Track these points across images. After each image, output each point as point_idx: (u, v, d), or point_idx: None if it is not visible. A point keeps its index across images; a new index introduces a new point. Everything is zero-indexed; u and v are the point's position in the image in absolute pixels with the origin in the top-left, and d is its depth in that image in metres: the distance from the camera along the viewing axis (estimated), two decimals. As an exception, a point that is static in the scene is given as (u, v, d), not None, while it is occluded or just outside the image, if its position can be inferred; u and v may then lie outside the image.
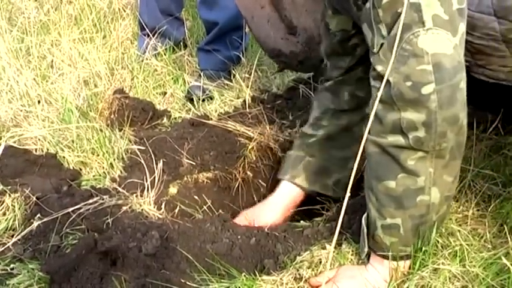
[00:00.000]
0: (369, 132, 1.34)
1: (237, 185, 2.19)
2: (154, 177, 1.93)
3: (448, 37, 1.24)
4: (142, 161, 2.00)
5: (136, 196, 1.85)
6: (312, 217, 1.85)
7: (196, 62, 2.74)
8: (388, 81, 1.26)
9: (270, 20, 2.11)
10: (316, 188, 1.86)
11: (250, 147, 2.18)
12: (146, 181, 1.90)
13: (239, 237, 1.66)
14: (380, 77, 1.29)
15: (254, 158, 2.21)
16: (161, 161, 2.02)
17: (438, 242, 1.55)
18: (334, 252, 1.56)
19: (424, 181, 1.34)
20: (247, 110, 2.32)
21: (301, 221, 1.81)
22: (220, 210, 1.95)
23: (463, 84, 1.28)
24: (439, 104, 1.25)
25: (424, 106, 1.25)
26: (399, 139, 1.31)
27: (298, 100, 2.38)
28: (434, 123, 1.26)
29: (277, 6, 2.08)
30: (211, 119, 2.31)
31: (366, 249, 1.50)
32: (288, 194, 1.88)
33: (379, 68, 1.30)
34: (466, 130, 1.34)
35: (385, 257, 1.47)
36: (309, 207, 1.90)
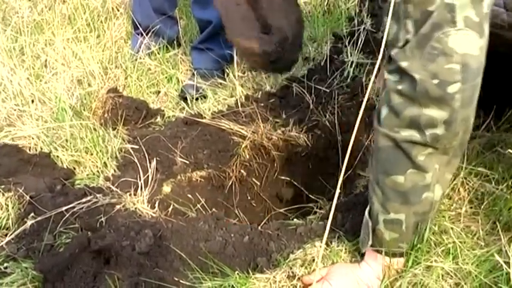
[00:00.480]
0: (380, 125, 1.35)
1: (230, 183, 2.20)
2: (148, 176, 1.93)
3: (476, 38, 1.24)
4: (136, 160, 2.00)
5: (130, 195, 1.84)
6: (306, 215, 1.85)
7: (190, 61, 2.73)
8: (412, 77, 1.26)
9: (244, 17, 2.10)
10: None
11: (243, 145, 2.18)
12: (140, 180, 1.90)
13: (232, 235, 1.66)
14: (402, 71, 1.29)
15: (247, 156, 2.21)
16: (155, 159, 2.02)
17: (431, 239, 1.55)
18: (326, 250, 1.56)
19: (431, 177, 1.36)
20: (241, 108, 2.31)
21: (295, 219, 1.81)
22: (213, 209, 1.94)
23: (479, 85, 1.30)
24: (462, 103, 1.26)
25: (448, 104, 1.26)
26: (414, 134, 1.31)
27: (291, 99, 2.38)
28: (454, 122, 1.27)
29: (253, 5, 2.07)
30: (205, 117, 2.30)
31: (370, 242, 1.49)
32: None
33: (403, 63, 1.28)
34: (471, 129, 1.35)
35: (381, 253, 1.48)
36: (302, 205, 1.90)
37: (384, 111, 1.34)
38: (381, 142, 1.38)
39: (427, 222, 1.46)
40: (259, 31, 2.08)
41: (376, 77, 1.40)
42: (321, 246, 1.43)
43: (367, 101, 2.24)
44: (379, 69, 1.34)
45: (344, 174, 2.02)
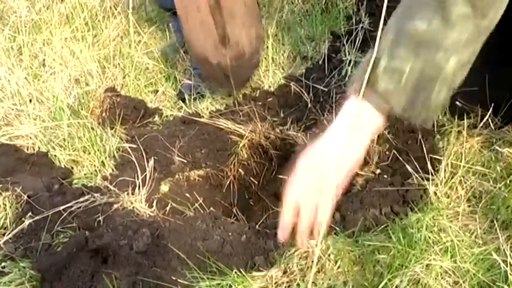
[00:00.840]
0: None
1: (228, 182, 2.19)
2: (146, 175, 1.92)
3: None
4: (134, 159, 1.99)
5: (128, 194, 1.84)
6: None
7: (188, 60, 2.72)
8: None
9: (203, 23, 2.08)
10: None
11: (241, 144, 2.18)
12: (137, 179, 1.89)
13: (230, 234, 1.66)
14: None
15: (245, 155, 2.21)
16: (152, 158, 2.01)
17: (429, 237, 1.54)
18: (322, 247, 1.55)
19: (452, 41, 1.26)
20: (238, 107, 2.30)
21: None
22: (211, 208, 1.94)
23: None
24: None
25: None
26: None
27: (289, 97, 2.37)
28: None
29: (214, 12, 2.05)
30: (203, 116, 2.29)
31: (364, 84, 1.29)
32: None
33: None
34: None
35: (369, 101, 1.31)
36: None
37: None
38: None
39: (427, 92, 1.29)
40: (217, 40, 2.06)
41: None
42: (316, 245, 1.42)
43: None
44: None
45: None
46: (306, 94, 2.32)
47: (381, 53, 1.30)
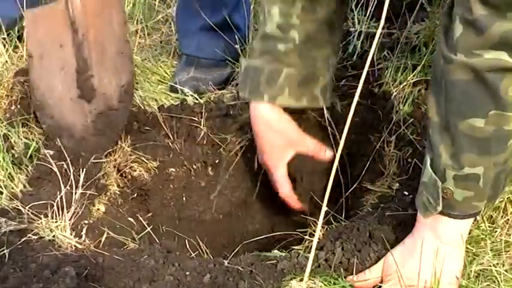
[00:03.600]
0: (451, 50, 1.38)
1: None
2: (72, 192, 1.93)
3: None
4: (56, 169, 1.99)
5: (46, 218, 1.84)
6: (290, 245, 1.88)
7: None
8: None
9: (64, 67, 2.12)
10: (303, 103, 1.99)
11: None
12: (60, 197, 1.89)
13: (188, 273, 1.67)
14: None
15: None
16: (83, 169, 2.02)
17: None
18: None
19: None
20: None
21: (275, 251, 1.83)
22: (163, 237, 1.96)
23: None
24: None
25: None
26: (505, 58, 1.33)
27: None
28: None
29: (82, 54, 2.09)
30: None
31: (440, 208, 1.54)
32: (270, 118, 2.01)
33: None
34: None
35: (450, 216, 1.55)
36: (286, 232, 1.93)
37: (458, 30, 1.35)
38: (456, 74, 1.40)
39: (508, 172, 1.52)
40: (78, 93, 2.10)
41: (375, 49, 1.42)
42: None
43: (377, 87, 2.31)
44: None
45: (345, 188, 2.09)
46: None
47: (445, 163, 1.50)
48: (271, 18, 1.90)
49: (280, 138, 2.02)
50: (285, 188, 2.09)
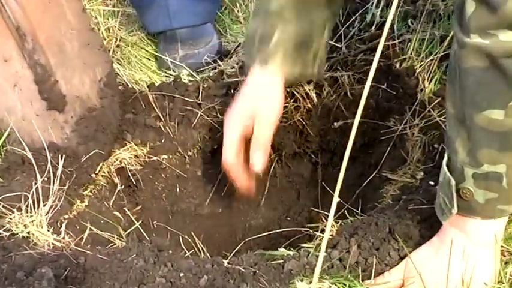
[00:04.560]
0: (464, 31, 1.37)
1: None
2: (50, 183, 1.93)
3: None
4: (31, 157, 1.99)
5: (19, 212, 1.84)
6: (299, 243, 1.87)
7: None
8: None
9: (17, 83, 2.03)
10: (297, 69, 2.01)
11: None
12: (36, 189, 1.89)
13: (182, 275, 1.67)
14: None
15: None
16: (61, 156, 2.01)
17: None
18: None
19: None
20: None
21: (282, 249, 1.83)
22: (154, 234, 1.95)
23: None
24: None
25: None
26: None
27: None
28: None
29: (37, 61, 2.00)
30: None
31: (455, 209, 1.53)
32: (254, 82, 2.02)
33: None
34: None
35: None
36: (295, 228, 1.92)
37: (470, 8, 1.33)
38: (468, 61, 1.38)
39: None
40: (45, 106, 2.03)
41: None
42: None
43: (399, 62, 2.30)
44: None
45: (360, 179, 2.08)
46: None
47: (462, 160, 1.49)
48: None
49: (249, 104, 2.00)
50: (228, 155, 2.01)
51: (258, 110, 1.97)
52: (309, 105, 2.27)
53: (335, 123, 2.27)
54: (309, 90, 2.23)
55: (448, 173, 1.52)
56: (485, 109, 1.39)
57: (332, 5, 1.98)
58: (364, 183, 2.10)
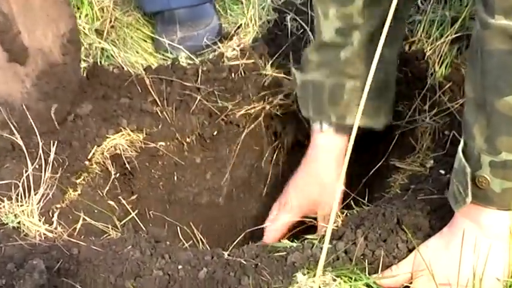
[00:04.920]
0: (488, 11, 1.35)
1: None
2: (42, 171, 1.93)
3: None
4: (21, 143, 1.99)
5: (10, 201, 1.84)
6: (303, 234, 1.87)
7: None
8: None
9: None
10: (380, 121, 2.04)
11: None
12: (27, 177, 1.89)
13: (180, 267, 1.67)
14: None
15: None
16: (53, 142, 2.02)
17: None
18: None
19: None
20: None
21: (285, 240, 1.83)
22: (150, 224, 1.95)
23: None
24: None
25: None
26: None
27: (282, 39, 2.41)
28: None
29: None
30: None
31: (470, 198, 1.52)
32: (335, 144, 2.05)
33: None
34: None
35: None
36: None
37: None
38: (492, 43, 1.38)
39: None
40: (6, 57, 2.01)
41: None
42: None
43: (408, 45, 2.30)
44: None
45: (367, 168, 2.08)
46: (310, 33, 2.36)
47: (480, 147, 1.48)
48: (327, 24, 1.91)
49: (314, 191, 2.04)
50: (272, 239, 2.05)
51: (321, 202, 2.01)
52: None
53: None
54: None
55: (463, 159, 1.50)
56: (508, 94, 1.38)
57: (397, 32, 1.97)
58: (371, 172, 2.09)
